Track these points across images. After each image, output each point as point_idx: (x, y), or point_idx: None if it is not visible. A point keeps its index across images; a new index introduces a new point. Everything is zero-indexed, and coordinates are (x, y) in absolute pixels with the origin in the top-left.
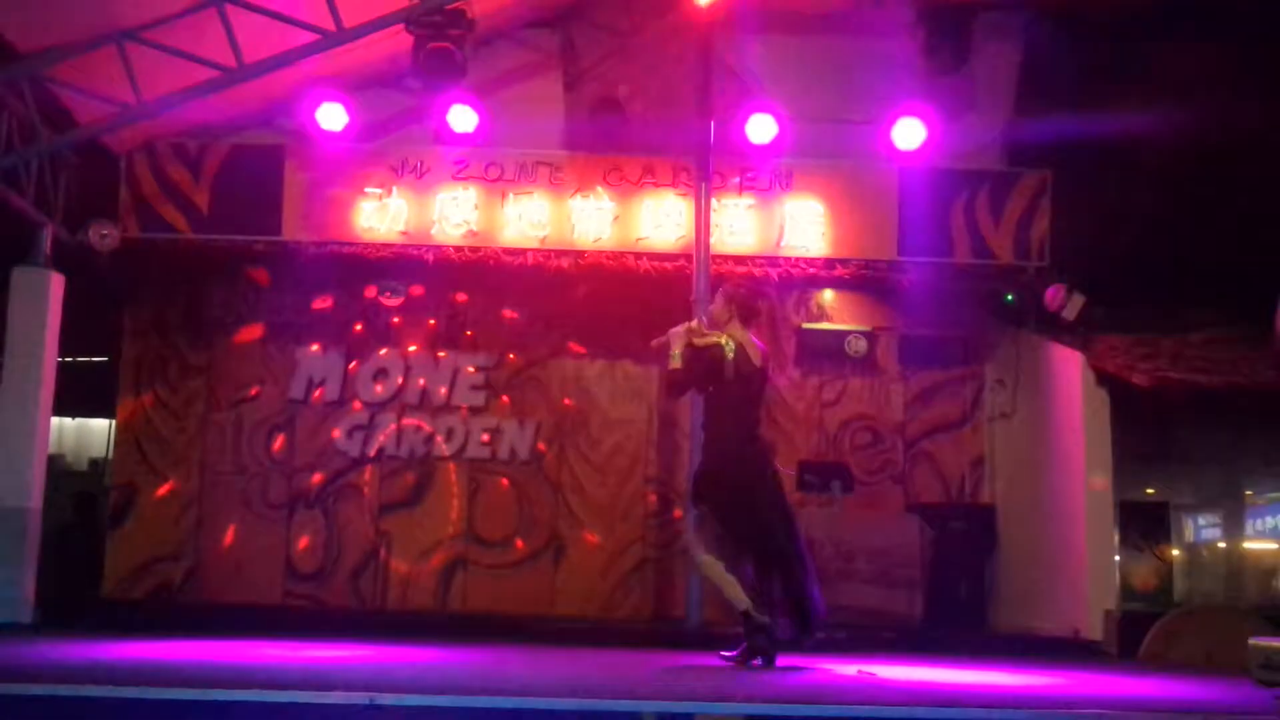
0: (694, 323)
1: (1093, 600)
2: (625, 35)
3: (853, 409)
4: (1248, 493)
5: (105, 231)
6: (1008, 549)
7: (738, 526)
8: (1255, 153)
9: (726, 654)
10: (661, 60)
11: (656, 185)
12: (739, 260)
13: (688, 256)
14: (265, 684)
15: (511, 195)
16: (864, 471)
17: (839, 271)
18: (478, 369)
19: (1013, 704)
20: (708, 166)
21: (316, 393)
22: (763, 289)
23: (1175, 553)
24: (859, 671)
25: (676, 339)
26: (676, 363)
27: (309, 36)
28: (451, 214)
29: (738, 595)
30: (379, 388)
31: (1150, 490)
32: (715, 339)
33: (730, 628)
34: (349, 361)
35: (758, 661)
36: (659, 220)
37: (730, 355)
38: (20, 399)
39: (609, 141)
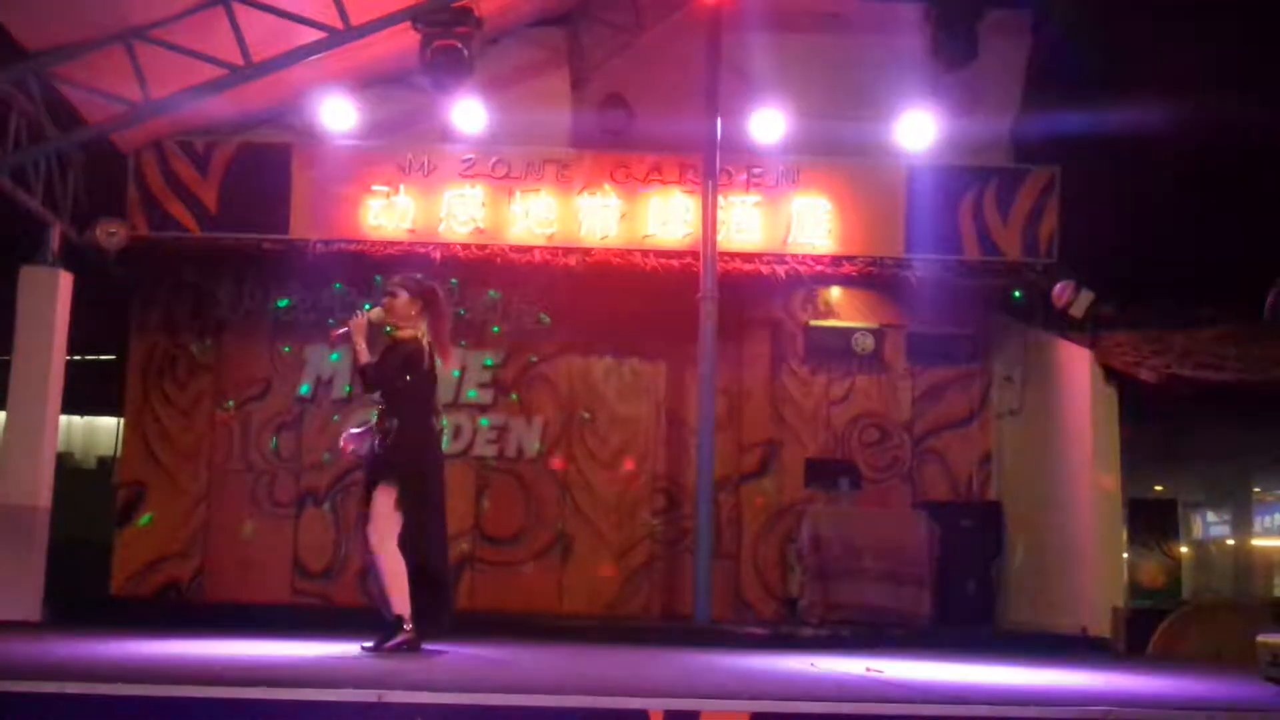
0: (375, 312)
1: (1101, 597)
2: (632, 33)
3: (860, 406)
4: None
5: (113, 230)
6: (1015, 546)
7: (414, 514)
8: (1264, 148)
9: (367, 645)
10: (668, 58)
11: (663, 183)
12: (746, 258)
13: (695, 254)
14: (274, 681)
15: (518, 193)
16: (871, 469)
17: (846, 268)
18: (485, 367)
19: (1021, 701)
20: (715, 164)
21: (325, 391)
22: (440, 287)
23: (1183, 549)
24: (867, 669)
25: (358, 330)
26: (366, 356)
27: (316, 34)
28: (459, 211)
29: (405, 600)
30: None
31: (1158, 487)
32: (414, 332)
33: (739, 625)
34: None
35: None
36: (666, 218)
37: (428, 349)
38: (29, 397)
39: (616, 139)
